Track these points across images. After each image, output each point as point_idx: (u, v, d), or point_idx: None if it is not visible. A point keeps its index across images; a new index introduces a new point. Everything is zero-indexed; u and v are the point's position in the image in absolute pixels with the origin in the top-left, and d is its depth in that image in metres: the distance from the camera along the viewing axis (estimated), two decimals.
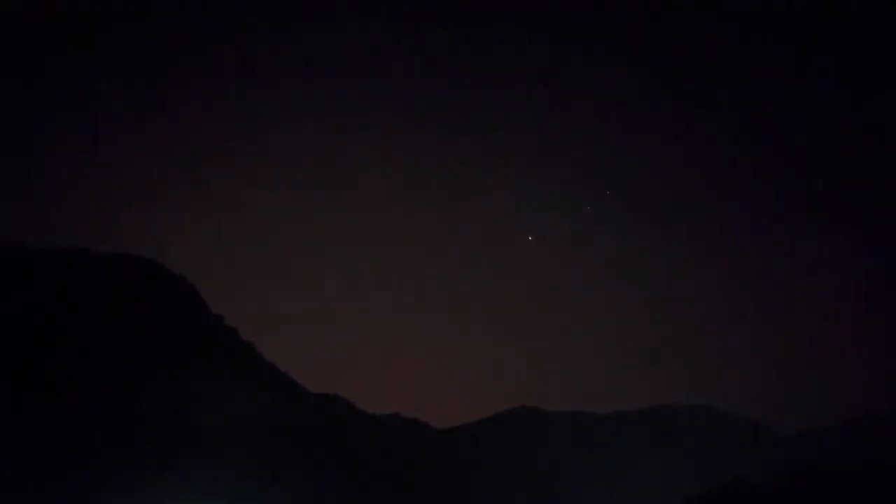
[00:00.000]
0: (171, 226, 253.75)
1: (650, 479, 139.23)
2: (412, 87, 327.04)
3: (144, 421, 76.21)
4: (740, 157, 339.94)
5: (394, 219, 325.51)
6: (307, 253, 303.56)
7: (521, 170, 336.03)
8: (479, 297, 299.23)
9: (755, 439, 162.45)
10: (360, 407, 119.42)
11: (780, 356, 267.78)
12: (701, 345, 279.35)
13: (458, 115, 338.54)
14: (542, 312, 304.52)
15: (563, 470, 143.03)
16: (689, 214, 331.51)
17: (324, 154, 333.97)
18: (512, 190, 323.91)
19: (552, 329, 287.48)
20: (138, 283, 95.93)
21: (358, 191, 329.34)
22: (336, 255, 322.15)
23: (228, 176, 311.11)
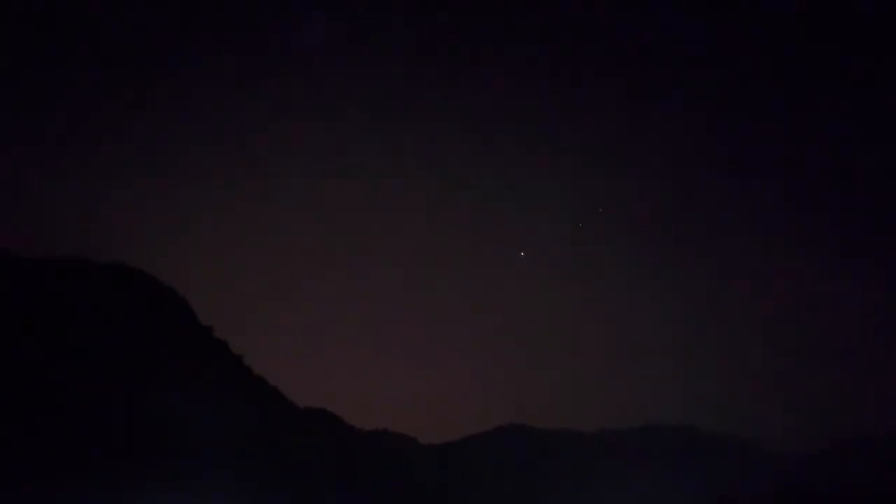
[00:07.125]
0: (159, 236, 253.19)
1: (638, 498, 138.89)
2: (402, 98, 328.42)
3: (131, 433, 75.48)
4: (735, 174, 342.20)
5: (384, 235, 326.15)
6: (298, 266, 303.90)
7: (512, 185, 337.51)
8: (469, 312, 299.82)
9: (743, 459, 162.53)
10: (349, 422, 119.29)
11: (772, 377, 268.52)
12: (689, 364, 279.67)
13: (449, 127, 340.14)
14: (532, 329, 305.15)
15: (552, 487, 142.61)
16: (680, 232, 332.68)
17: (317, 166, 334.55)
18: (504, 205, 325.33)
19: (542, 346, 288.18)
20: (126, 293, 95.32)
21: (350, 205, 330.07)
22: (327, 269, 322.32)
23: (218, 186, 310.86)
